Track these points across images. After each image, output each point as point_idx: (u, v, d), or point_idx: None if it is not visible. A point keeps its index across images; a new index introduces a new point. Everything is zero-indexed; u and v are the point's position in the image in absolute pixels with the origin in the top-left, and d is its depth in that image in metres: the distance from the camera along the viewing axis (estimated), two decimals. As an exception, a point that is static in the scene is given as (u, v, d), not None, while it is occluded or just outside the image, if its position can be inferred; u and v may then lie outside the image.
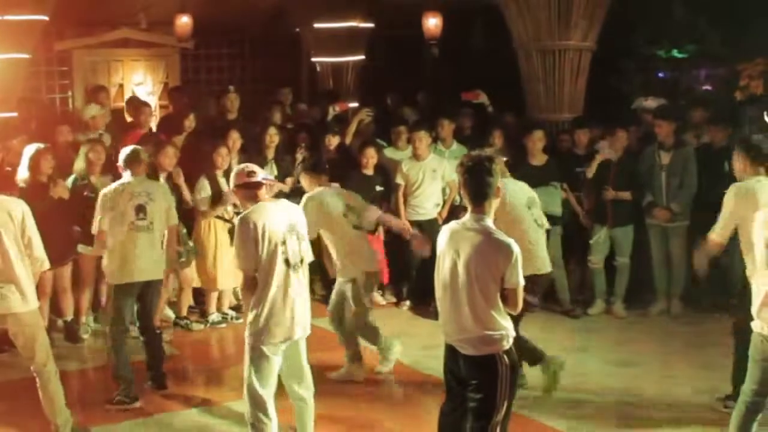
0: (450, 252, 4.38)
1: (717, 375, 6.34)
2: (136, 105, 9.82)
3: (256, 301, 4.89)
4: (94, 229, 6.38)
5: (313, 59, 12.49)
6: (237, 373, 5.60)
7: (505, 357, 4.32)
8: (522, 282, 4.31)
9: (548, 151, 8.57)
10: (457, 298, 4.34)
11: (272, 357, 4.92)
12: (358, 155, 8.60)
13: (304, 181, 6.74)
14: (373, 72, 12.65)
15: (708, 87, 17.07)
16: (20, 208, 5.52)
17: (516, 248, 4.28)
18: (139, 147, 6.67)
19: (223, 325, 8.22)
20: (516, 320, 4.80)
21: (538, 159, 8.46)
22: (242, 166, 5.23)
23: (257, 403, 4.91)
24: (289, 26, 12.72)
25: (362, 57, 12.31)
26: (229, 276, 8.06)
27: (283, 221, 4.96)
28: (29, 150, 7.28)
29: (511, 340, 4.37)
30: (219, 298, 8.35)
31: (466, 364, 4.36)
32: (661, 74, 17.06)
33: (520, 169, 8.45)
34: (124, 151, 6.55)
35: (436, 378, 5.86)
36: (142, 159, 6.52)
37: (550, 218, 8.09)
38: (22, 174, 7.22)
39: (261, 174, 5.11)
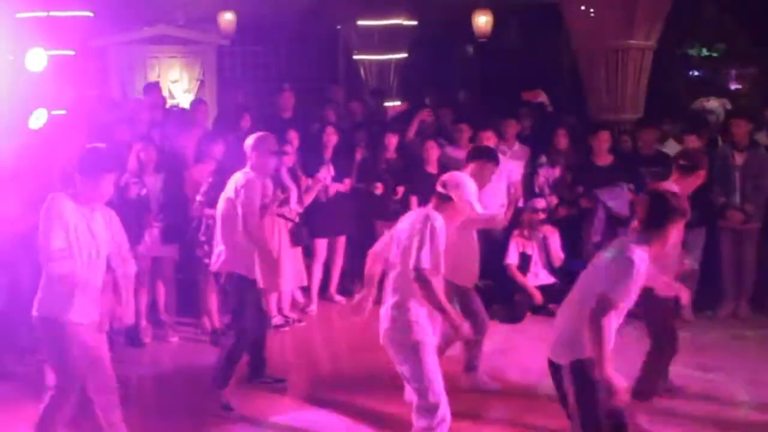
0: None
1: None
2: (194, 103, 9.64)
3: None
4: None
5: (356, 57, 12.32)
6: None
7: None
8: None
9: (613, 151, 8.46)
10: None
11: None
12: (421, 153, 8.45)
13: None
14: (413, 70, 12.51)
15: (738, 86, 17.03)
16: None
17: None
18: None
19: (286, 328, 8.02)
20: None
21: (604, 159, 8.34)
22: None
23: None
24: (326, 23, 12.58)
25: (405, 55, 12.15)
26: (289, 277, 7.90)
27: None
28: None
29: None
30: (279, 300, 8.17)
31: None
32: (696, 73, 16.99)
33: (585, 170, 8.45)
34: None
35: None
36: None
37: (619, 220, 8.01)
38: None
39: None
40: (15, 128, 7.18)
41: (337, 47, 13.24)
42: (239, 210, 6.05)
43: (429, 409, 4.74)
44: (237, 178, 6.16)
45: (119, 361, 5.76)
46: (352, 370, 7.00)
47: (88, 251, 4.84)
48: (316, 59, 13.00)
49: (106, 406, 5.00)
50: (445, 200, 4.89)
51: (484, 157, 6.24)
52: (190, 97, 12.80)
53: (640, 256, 4.25)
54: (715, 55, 18.04)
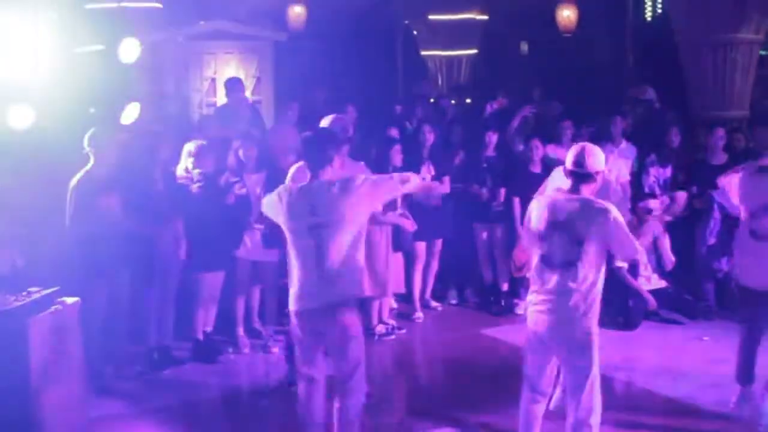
0: None
1: None
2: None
3: None
4: None
5: (424, 53, 11.86)
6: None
7: None
8: None
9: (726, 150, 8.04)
10: None
11: None
12: (525, 150, 8.02)
13: None
14: (482, 66, 12.09)
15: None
16: None
17: None
18: None
19: (392, 337, 7.54)
20: None
21: (719, 158, 7.94)
22: None
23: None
24: (391, 18, 12.14)
25: (475, 51, 11.71)
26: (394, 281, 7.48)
27: None
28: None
29: None
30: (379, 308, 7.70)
31: None
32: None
33: (699, 169, 8.02)
34: None
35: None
36: None
37: (734, 220, 7.58)
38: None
39: None
40: (111, 123, 6.71)
41: (396, 43, 12.79)
42: None
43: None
44: None
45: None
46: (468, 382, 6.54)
47: None
48: (374, 55, 12.51)
49: None
50: None
51: None
52: (248, 94, 12.36)
53: None
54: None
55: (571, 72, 12.21)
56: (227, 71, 12.43)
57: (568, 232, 4.49)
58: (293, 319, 4.73)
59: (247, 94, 12.26)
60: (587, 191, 4.56)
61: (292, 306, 4.72)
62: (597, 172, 4.56)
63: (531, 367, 4.71)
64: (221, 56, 12.43)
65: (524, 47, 13.88)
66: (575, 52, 12.95)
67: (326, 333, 4.66)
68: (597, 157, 4.57)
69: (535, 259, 4.68)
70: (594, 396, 4.53)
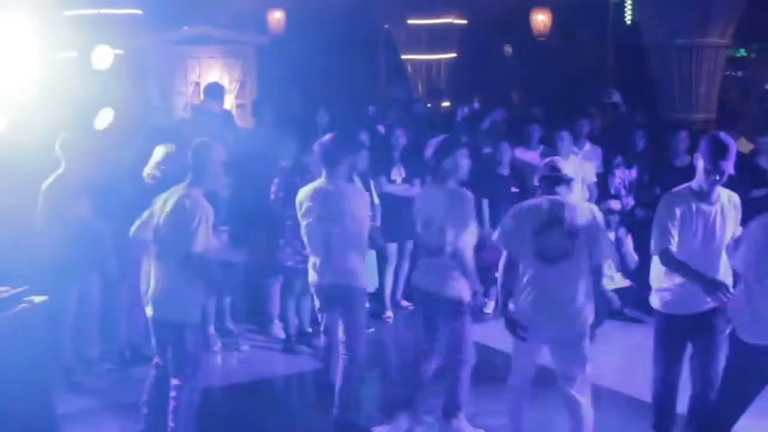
0: None
1: None
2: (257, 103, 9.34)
3: None
4: None
5: (404, 57, 12.04)
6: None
7: None
8: None
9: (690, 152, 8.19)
10: None
11: None
12: (494, 153, 8.19)
13: None
14: (461, 70, 12.26)
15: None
16: None
17: None
18: None
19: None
20: None
21: (682, 160, 8.08)
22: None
23: None
24: (372, 23, 12.31)
25: (454, 55, 11.88)
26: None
27: None
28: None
29: None
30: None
31: None
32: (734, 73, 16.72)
33: (663, 171, 8.17)
34: None
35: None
36: None
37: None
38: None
39: None
40: (82, 129, 6.89)
41: (379, 47, 12.97)
42: None
43: None
44: None
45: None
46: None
47: None
48: (358, 59, 12.69)
49: None
50: None
51: None
52: (231, 98, 12.53)
53: None
54: (753, 55, 17.83)
55: (551, 76, 12.37)
56: (211, 75, 12.62)
57: None
58: None
59: (231, 98, 12.49)
60: None
61: None
62: None
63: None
64: (205, 61, 12.62)
65: (508, 50, 14.03)
66: (556, 56, 13.11)
67: None
68: None
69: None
70: None
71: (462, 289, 5.42)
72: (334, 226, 5.54)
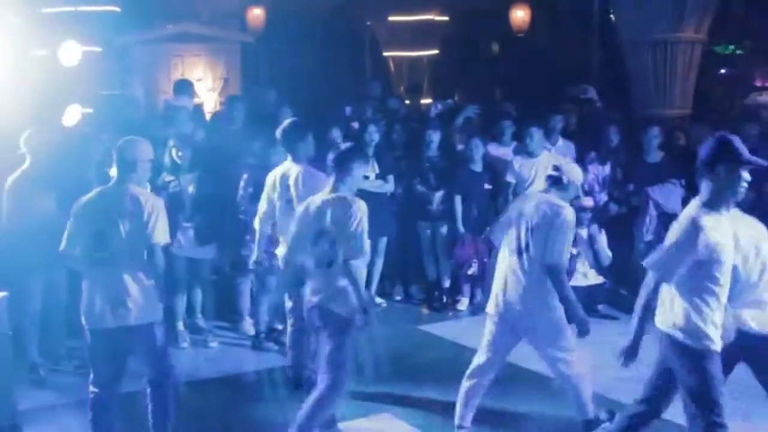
0: None
1: None
2: (230, 100, 9.29)
3: None
4: None
5: (386, 53, 12.02)
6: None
7: None
8: None
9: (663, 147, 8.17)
10: None
11: None
12: (466, 150, 8.16)
13: None
14: (443, 67, 12.23)
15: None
16: None
17: None
18: None
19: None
20: None
21: (654, 156, 8.07)
22: None
23: None
24: (353, 20, 12.29)
25: (436, 51, 11.86)
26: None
27: None
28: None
29: None
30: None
31: None
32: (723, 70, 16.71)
33: (636, 167, 8.16)
34: None
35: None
36: None
37: (670, 216, 7.70)
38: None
39: None
40: (48, 124, 6.89)
41: (363, 44, 12.94)
42: None
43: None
44: None
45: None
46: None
47: None
48: (342, 57, 12.67)
49: None
50: None
51: None
52: (214, 95, 12.53)
53: None
54: (740, 52, 17.80)
55: (536, 72, 12.33)
56: (195, 73, 12.61)
57: None
58: None
59: (214, 95, 12.49)
60: None
61: None
62: None
63: None
64: (189, 58, 12.59)
65: (495, 47, 14.00)
66: (541, 53, 13.08)
67: None
68: None
69: None
70: None
71: None
72: None
